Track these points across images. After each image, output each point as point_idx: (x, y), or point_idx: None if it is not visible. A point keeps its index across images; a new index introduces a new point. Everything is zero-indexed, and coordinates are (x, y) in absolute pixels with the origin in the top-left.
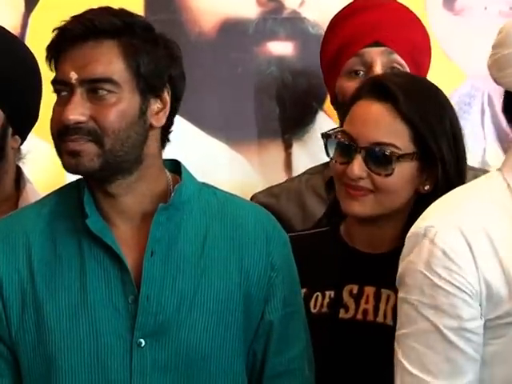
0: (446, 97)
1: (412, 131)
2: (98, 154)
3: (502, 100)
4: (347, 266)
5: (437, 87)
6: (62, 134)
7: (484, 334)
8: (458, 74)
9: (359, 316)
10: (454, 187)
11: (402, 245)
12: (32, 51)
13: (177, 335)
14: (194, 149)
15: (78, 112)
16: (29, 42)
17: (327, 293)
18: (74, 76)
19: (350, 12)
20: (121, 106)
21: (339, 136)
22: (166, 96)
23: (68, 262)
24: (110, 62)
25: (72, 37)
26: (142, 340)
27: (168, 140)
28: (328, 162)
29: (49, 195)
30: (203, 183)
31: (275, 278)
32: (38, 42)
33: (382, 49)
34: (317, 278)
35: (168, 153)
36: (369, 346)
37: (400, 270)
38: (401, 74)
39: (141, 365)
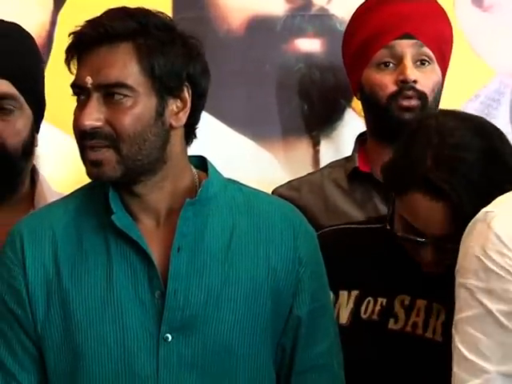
0: (499, 147)
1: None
2: (118, 160)
3: None
4: (402, 274)
5: (489, 144)
6: (82, 138)
7: None
8: (487, 70)
9: (408, 328)
10: None
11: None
12: (61, 49)
13: (204, 330)
14: (221, 146)
15: (93, 117)
16: (57, 39)
17: (379, 300)
18: (89, 81)
19: (376, 3)
20: (137, 109)
21: (406, 229)
22: (186, 95)
23: (94, 258)
24: (124, 65)
25: (86, 42)
26: (169, 335)
27: (195, 137)
28: (349, 157)
29: (75, 192)
30: (229, 179)
31: (303, 272)
32: (66, 40)
33: (413, 41)
34: (371, 281)
35: (194, 149)
36: (415, 360)
37: (459, 254)
38: (446, 158)
39: (167, 359)
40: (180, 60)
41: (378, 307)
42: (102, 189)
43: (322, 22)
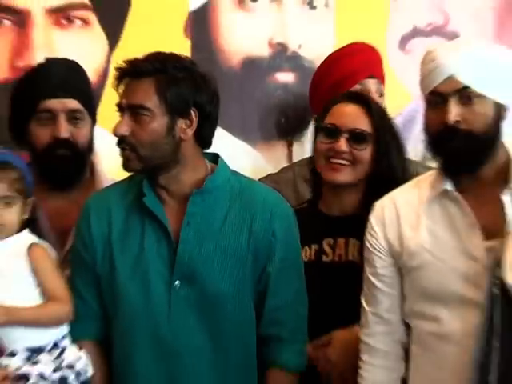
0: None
1: (374, 125)
2: (138, 159)
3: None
4: (325, 227)
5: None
6: (118, 142)
7: (404, 276)
8: (406, 94)
9: (336, 258)
10: (396, 170)
11: (362, 210)
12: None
13: (202, 279)
14: (225, 147)
15: (123, 129)
16: (111, 73)
17: (313, 246)
18: (124, 101)
19: (349, 52)
20: (152, 125)
21: (327, 124)
22: (193, 117)
23: (134, 228)
24: (146, 93)
25: (124, 74)
26: (178, 282)
27: (209, 144)
28: (311, 156)
29: (124, 180)
30: (234, 172)
31: (275, 243)
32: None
33: (375, 80)
34: (305, 237)
35: (210, 150)
36: (345, 279)
37: None
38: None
39: (176, 300)
40: (188, 91)
41: (313, 251)
42: (142, 178)
43: (295, 61)
